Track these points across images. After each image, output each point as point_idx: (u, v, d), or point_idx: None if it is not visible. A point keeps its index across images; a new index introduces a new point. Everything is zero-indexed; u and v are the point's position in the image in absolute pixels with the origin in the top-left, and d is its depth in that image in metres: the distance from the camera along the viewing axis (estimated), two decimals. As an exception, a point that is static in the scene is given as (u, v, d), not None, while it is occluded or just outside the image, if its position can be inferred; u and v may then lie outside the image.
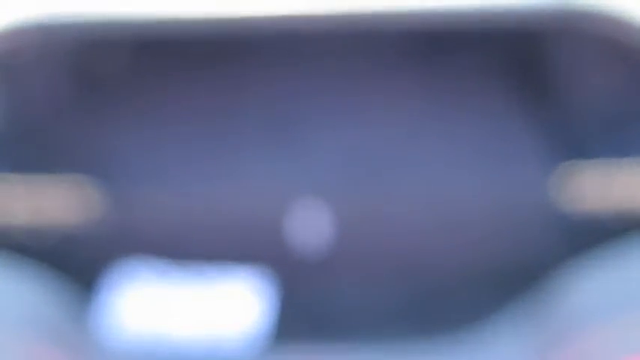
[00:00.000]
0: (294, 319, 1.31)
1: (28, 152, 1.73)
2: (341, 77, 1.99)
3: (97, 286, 1.30)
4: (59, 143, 1.76)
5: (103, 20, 1.41)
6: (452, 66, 2.05)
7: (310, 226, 1.28)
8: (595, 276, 1.07)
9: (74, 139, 1.77)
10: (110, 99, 1.95)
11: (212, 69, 2.01)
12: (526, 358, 0.97)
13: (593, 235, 1.34)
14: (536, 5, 1.26)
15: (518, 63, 1.98)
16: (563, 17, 1.31)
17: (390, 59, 2.04)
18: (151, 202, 1.27)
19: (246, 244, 1.34)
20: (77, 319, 1.03)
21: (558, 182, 1.50)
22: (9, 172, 1.57)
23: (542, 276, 1.32)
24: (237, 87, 1.95)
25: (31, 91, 1.66)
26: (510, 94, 1.86)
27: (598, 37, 1.40)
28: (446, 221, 1.34)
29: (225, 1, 1.31)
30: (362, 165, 1.64)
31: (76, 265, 1.30)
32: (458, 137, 1.76)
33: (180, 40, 2.14)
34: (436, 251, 1.35)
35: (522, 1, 1.26)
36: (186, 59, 2.07)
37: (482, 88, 1.96)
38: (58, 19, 1.42)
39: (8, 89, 1.60)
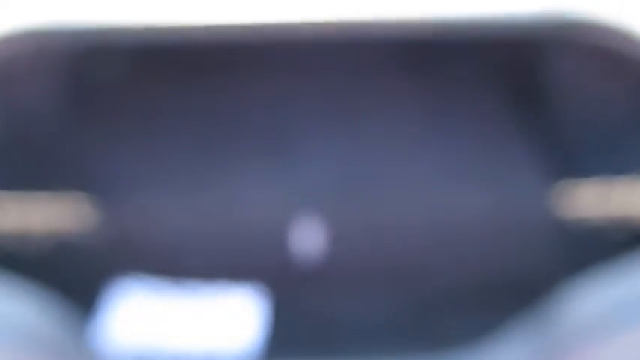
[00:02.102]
0: (290, 333, 1.30)
1: (21, 164, 1.72)
2: (338, 88, 2.00)
3: (92, 301, 1.29)
4: (53, 155, 1.75)
5: (99, 29, 1.41)
6: (448, 77, 2.05)
7: (306, 239, 1.27)
8: (596, 290, 1.05)
9: (68, 151, 1.77)
10: (105, 110, 1.94)
11: (208, 80, 2.01)
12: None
13: (593, 247, 1.34)
14: (533, 15, 1.25)
15: (516, 74, 1.98)
16: (560, 27, 1.31)
17: (385, 71, 2.04)
18: (146, 215, 1.26)
19: (242, 258, 1.33)
20: (71, 334, 1.01)
21: (557, 194, 1.49)
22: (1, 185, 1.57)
23: (542, 289, 1.31)
24: (233, 99, 1.94)
25: (25, 101, 1.65)
26: (508, 105, 1.86)
27: (596, 47, 1.40)
28: (443, 234, 1.33)
29: (225, 10, 1.30)
30: (359, 177, 1.64)
31: (71, 280, 1.28)
32: (455, 150, 1.76)
33: (177, 49, 2.14)
34: (434, 264, 1.33)
35: (519, 11, 1.25)
36: (182, 70, 2.07)
37: (480, 99, 1.96)
38: (55, 28, 1.42)
39: (2, 99, 1.59)
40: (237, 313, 1.31)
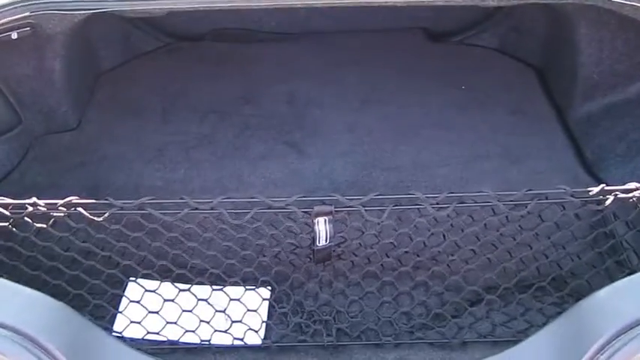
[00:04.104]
0: (301, 325, 1.26)
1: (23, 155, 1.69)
2: (357, 73, 1.96)
3: (103, 297, 1.26)
4: (58, 148, 1.71)
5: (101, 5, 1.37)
6: (469, 49, 2.00)
7: (320, 231, 1.22)
8: (626, 287, 1.00)
9: (74, 145, 1.73)
10: (109, 98, 1.90)
11: (218, 68, 1.97)
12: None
13: (618, 236, 1.29)
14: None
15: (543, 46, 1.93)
16: None
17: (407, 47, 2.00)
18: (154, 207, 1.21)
19: (253, 250, 1.29)
20: (81, 329, 0.97)
21: (581, 182, 1.44)
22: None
23: (569, 284, 1.26)
24: (248, 87, 1.91)
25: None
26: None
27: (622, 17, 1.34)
28: (466, 225, 1.28)
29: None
30: (374, 169, 1.60)
31: (82, 277, 1.25)
32: (477, 136, 1.71)
33: (188, 35, 2.11)
34: (457, 257, 1.29)
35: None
36: (193, 57, 2.03)
37: (502, 73, 1.91)
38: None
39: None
40: (247, 304, 1.27)
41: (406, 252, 1.29)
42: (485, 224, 1.26)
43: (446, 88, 1.85)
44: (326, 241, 1.23)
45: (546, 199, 1.21)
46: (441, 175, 1.58)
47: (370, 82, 1.88)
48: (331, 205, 1.22)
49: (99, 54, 1.92)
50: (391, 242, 1.29)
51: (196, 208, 1.19)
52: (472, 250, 1.29)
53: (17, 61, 1.57)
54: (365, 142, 1.69)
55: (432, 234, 1.28)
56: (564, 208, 1.24)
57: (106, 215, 1.19)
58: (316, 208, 1.20)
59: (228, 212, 1.20)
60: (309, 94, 1.85)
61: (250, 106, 1.82)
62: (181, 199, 1.20)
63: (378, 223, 1.23)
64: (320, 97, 1.84)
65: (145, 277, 1.28)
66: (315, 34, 2.05)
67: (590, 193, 1.19)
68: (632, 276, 0.99)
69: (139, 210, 1.20)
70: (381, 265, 1.33)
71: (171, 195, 1.56)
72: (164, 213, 1.20)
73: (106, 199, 1.20)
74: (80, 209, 1.18)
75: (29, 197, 1.59)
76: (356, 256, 1.32)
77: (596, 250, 1.28)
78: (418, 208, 1.22)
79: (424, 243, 1.29)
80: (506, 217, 1.25)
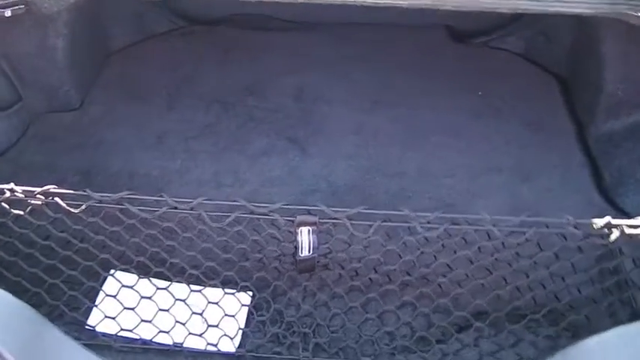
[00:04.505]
0: (279, 335, 1.21)
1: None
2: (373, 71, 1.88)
3: (79, 288, 1.23)
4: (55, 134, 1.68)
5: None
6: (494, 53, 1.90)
7: (303, 241, 1.17)
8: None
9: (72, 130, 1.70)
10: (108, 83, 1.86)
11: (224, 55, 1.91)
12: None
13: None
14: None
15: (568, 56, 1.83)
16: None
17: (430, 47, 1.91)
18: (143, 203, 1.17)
19: (234, 254, 1.24)
20: (39, 330, 0.94)
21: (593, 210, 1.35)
22: None
23: (566, 318, 1.18)
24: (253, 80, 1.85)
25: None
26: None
27: None
28: (459, 247, 1.21)
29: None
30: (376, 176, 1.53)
31: (58, 266, 1.22)
32: (489, 146, 1.62)
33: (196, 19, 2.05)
34: (447, 279, 1.21)
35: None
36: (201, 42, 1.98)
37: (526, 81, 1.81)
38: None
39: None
40: (229, 309, 1.23)
41: (394, 269, 1.22)
42: (479, 247, 1.19)
43: (461, 93, 1.76)
44: (309, 251, 1.17)
45: (547, 227, 1.13)
46: (447, 186, 1.50)
47: (383, 81, 1.80)
48: (316, 215, 1.15)
49: (108, 33, 1.88)
50: (378, 258, 1.22)
51: (175, 207, 1.15)
52: (464, 273, 1.22)
53: (19, 38, 1.54)
54: (370, 145, 1.62)
55: (422, 253, 1.21)
56: (566, 238, 1.15)
57: (83, 208, 1.15)
58: (299, 218, 1.14)
59: (207, 214, 1.15)
60: (318, 89, 1.78)
61: (255, 97, 1.76)
62: (160, 196, 1.15)
63: (365, 238, 1.16)
64: (329, 93, 1.77)
65: (124, 272, 1.25)
66: (331, 25, 1.96)
67: (595, 226, 1.10)
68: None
69: (117, 205, 1.16)
70: (369, 279, 1.26)
71: (166, 185, 1.53)
72: (142, 209, 1.15)
73: (84, 191, 1.16)
74: (57, 199, 1.15)
75: (24, 177, 1.58)
76: (342, 268, 1.26)
77: (598, 286, 1.19)
78: (408, 227, 1.15)
79: (414, 262, 1.22)
80: (502, 243, 1.17)
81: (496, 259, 1.20)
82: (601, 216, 1.12)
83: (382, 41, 1.94)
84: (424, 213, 1.14)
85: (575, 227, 1.10)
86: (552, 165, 1.54)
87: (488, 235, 1.16)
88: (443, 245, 1.20)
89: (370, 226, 1.14)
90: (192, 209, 1.15)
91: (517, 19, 1.92)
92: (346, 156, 1.59)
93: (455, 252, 1.19)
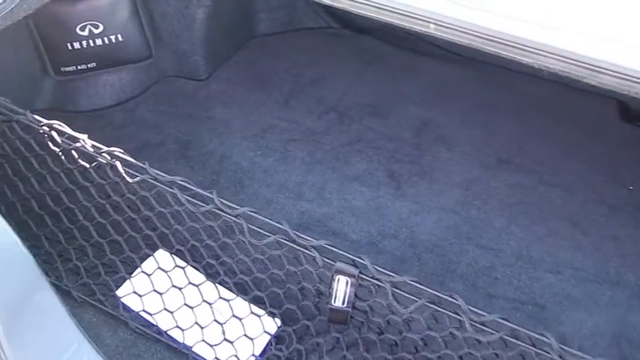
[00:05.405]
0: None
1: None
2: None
3: (120, 255, 1.21)
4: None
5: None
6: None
7: (339, 290, 1.03)
8: None
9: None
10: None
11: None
12: None
13: None
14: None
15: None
16: None
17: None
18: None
19: (268, 276, 1.14)
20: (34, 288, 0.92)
21: None
22: None
23: None
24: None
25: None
26: None
27: None
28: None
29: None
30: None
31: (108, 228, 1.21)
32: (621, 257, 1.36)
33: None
34: None
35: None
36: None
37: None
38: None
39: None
40: (248, 332, 1.14)
41: (430, 359, 1.04)
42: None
43: (608, 181, 1.49)
44: (342, 303, 1.04)
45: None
46: (545, 282, 1.27)
47: (521, 141, 1.58)
48: (358, 268, 1.01)
49: (255, 17, 1.86)
50: (419, 339, 1.05)
51: (220, 209, 1.07)
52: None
53: None
54: (474, 207, 1.43)
55: (470, 354, 1.02)
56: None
57: (137, 179, 1.12)
58: (338, 265, 1.01)
59: (249, 227, 1.06)
60: (443, 128, 1.61)
61: (375, 118, 1.63)
62: (211, 192, 1.08)
63: (403, 313, 1.00)
64: (453, 136, 1.59)
65: (167, 254, 1.21)
66: (486, 65, 1.75)
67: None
68: None
69: (168, 187, 1.11)
70: (403, 357, 1.09)
71: (248, 179, 1.47)
72: (190, 200, 1.09)
73: (143, 163, 1.13)
74: (118, 163, 1.13)
75: (129, 130, 1.60)
76: (379, 335, 1.10)
77: None
78: (459, 319, 0.97)
79: (455, 358, 1.03)
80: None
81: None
82: None
83: (539, 97, 1.70)
84: (480, 310, 0.94)
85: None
86: None
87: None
88: (496, 355, 0.99)
89: (414, 301, 0.98)
90: (236, 217, 1.07)
91: None
92: (442, 210, 1.41)
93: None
